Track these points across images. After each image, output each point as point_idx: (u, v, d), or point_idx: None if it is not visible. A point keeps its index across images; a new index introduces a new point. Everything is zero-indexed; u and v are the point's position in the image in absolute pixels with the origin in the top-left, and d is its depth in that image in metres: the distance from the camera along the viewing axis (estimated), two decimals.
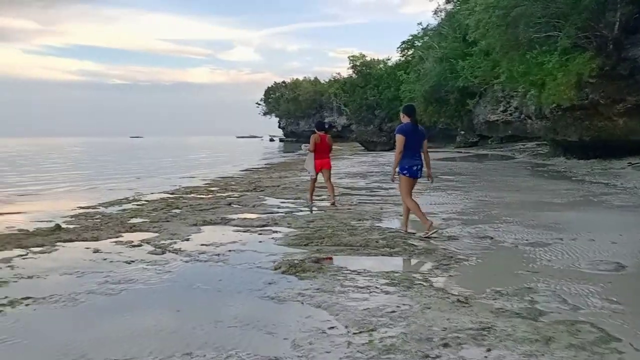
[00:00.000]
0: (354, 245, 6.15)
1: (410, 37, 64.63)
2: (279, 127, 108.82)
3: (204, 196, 11.73)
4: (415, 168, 6.67)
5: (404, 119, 6.71)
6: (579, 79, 14.66)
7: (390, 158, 28.92)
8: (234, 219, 8.12)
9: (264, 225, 7.65)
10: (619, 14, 14.50)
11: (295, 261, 5.31)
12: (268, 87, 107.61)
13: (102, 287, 4.54)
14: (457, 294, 4.08)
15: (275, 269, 5.13)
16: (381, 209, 8.88)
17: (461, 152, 34.49)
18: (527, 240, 6.05)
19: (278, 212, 8.78)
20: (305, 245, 6.25)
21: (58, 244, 6.55)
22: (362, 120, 74.49)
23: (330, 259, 5.58)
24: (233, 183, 14.95)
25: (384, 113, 71.71)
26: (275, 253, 5.83)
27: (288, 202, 10.16)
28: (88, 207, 10.01)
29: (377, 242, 6.19)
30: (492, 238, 6.18)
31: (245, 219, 8.13)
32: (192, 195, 12.00)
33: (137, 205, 10.44)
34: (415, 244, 6.04)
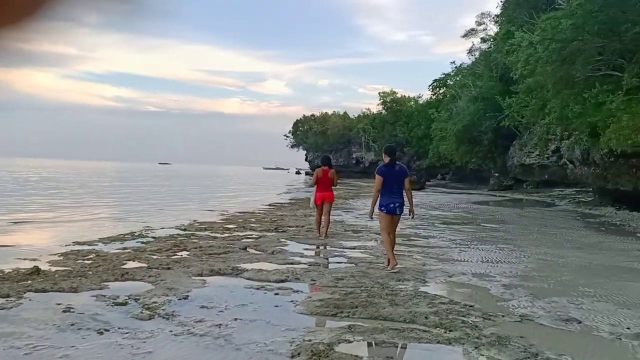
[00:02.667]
0: (396, 319, 4.73)
1: (443, 76, 63.86)
2: (306, 160, 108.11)
3: (218, 235, 10.44)
4: (392, 206, 7.07)
5: (385, 159, 7.25)
6: None
7: (421, 199, 27.39)
8: (247, 270, 6.77)
9: (282, 281, 6.29)
10: None
11: (320, 346, 3.91)
12: (297, 120, 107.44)
13: None
14: None
15: (292, 357, 3.75)
16: (424, 265, 7.43)
17: (495, 196, 32.74)
18: (629, 329, 4.54)
19: (301, 263, 7.40)
20: (333, 315, 4.87)
21: (27, 294, 5.30)
22: None
23: (370, 344, 4.16)
24: (253, 220, 13.66)
25: (413, 151, 70.52)
26: (294, 327, 4.44)
27: (312, 249, 8.78)
28: (84, 243, 8.81)
29: (426, 317, 4.74)
30: (579, 322, 4.67)
31: (260, 270, 6.76)
32: (206, 233, 10.73)
33: (141, 243, 9.20)
34: (477, 323, 4.58)
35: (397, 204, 7.08)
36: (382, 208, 7.13)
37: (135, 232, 10.59)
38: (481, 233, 11.65)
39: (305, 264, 7.35)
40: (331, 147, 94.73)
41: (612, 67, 14.42)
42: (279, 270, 6.74)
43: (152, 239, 9.74)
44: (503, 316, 4.79)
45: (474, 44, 49.54)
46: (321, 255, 8.21)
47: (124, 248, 8.56)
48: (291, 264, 7.34)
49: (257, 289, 5.88)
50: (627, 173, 17.09)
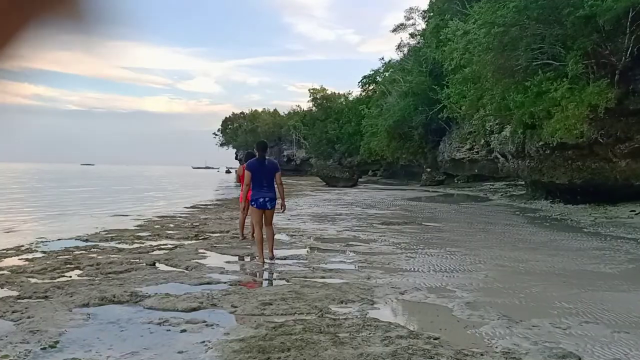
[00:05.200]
0: None
1: (372, 72, 63.71)
2: (236, 158, 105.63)
3: (125, 246, 8.83)
4: (261, 200, 7.26)
5: (257, 154, 7.49)
6: (593, 110, 12.62)
7: (355, 196, 26.51)
8: (150, 295, 5.31)
9: (194, 309, 4.91)
10: (631, 38, 12.58)
11: None
12: (226, 118, 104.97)
13: None
14: None
15: None
16: (368, 278, 6.23)
17: (429, 191, 32.45)
18: None
19: (220, 282, 6.00)
20: None
21: None
22: (322, 154, 72.54)
23: None
24: (171, 225, 12.05)
25: (344, 147, 70.06)
26: None
27: (235, 262, 7.39)
28: None
29: None
30: (579, 359, 3.60)
31: (168, 295, 5.31)
32: (111, 244, 9.09)
33: (25, 260, 7.49)
34: None
35: (267, 199, 7.27)
36: (253, 202, 7.31)
37: (22, 246, 8.79)
38: (425, 234, 10.67)
39: (225, 282, 5.97)
40: None
41: (551, 56, 13.93)
42: (191, 295, 5.32)
43: (42, 254, 8.03)
44: (482, 354, 3.64)
45: (402, 40, 49.47)
46: (246, 270, 6.84)
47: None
48: (208, 283, 5.93)
49: (159, 324, 4.46)
50: (562, 166, 16.80)
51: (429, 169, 43.49)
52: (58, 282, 5.94)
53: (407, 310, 5.02)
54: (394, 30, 47.62)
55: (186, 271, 6.66)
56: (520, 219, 14.23)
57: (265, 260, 7.27)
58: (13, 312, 4.71)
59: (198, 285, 5.83)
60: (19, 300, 5.13)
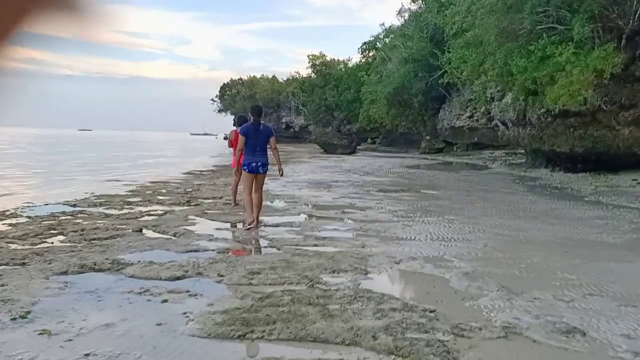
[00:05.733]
0: (331, 340, 3.27)
1: (372, 38, 62.55)
2: (234, 125, 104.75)
3: (114, 212, 8.57)
4: (254, 165, 7.18)
5: (251, 119, 7.39)
6: (599, 75, 12.20)
7: (353, 163, 26.20)
8: (132, 263, 5.06)
9: (178, 278, 4.68)
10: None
11: None
12: (224, 84, 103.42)
13: None
14: None
15: None
16: (363, 247, 5.98)
17: (428, 159, 32.15)
18: None
19: (207, 250, 5.75)
20: (240, 336, 3.34)
21: None
22: (321, 121, 71.87)
23: None
24: (164, 191, 11.78)
25: (343, 114, 69.38)
26: None
27: (226, 229, 7.14)
28: None
29: (374, 337, 3.29)
30: (584, 334, 3.37)
31: (151, 263, 5.06)
32: (99, 209, 8.83)
33: (8, 225, 7.24)
34: (447, 345, 3.17)
35: (259, 163, 7.21)
36: (245, 167, 7.22)
37: (7, 211, 8.53)
38: (423, 202, 10.41)
39: (213, 250, 5.72)
40: None
41: (556, 20, 13.40)
42: (176, 263, 5.08)
43: (27, 219, 7.78)
44: (480, 329, 3.40)
45: (403, 5, 48.59)
46: (236, 238, 6.59)
47: None
48: (195, 251, 5.69)
49: (139, 293, 4.23)
50: (563, 134, 16.45)
51: (428, 137, 43.10)
52: (38, 248, 5.69)
53: (402, 280, 4.79)
54: None
55: (174, 238, 6.42)
56: (520, 187, 13.96)
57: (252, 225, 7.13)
58: None
59: (184, 252, 5.59)
60: None
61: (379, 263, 5.23)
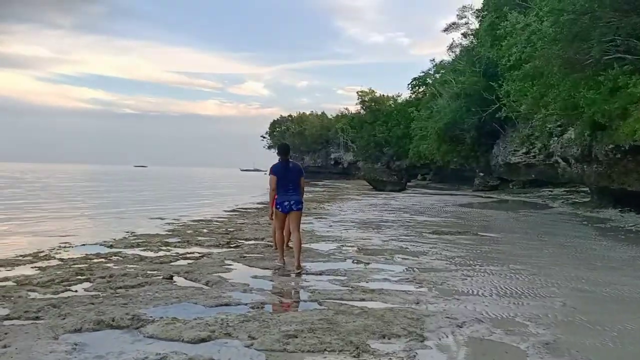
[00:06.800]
0: None
1: (422, 74, 62.17)
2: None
3: (150, 254, 8.10)
4: (287, 204, 7.03)
5: (280, 157, 7.18)
6: None
7: (403, 200, 25.28)
8: (153, 320, 4.45)
9: (203, 340, 4.03)
10: None
11: None
12: (274, 120, 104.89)
13: None
14: None
15: None
16: (417, 302, 5.18)
17: (482, 197, 30.78)
18: None
19: (240, 303, 5.09)
20: None
21: None
22: (370, 157, 71.38)
23: None
24: (205, 231, 11.31)
25: (392, 151, 68.73)
26: None
27: (263, 277, 6.47)
28: None
29: None
30: None
31: (174, 320, 4.44)
32: (135, 251, 8.40)
33: (36, 269, 6.84)
34: None
35: (292, 202, 7.06)
36: (278, 206, 7.10)
37: (42, 252, 8.20)
38: (482, 246, 9.46)
39: (246, 304, 5.05)
40: (309, 148, 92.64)
41: (625, 50, 12.37)
42: (203, 320, 4.43)
43: (58, 262, 7.39)
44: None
45: (454, 40, 47.69)
46: (273, 288, 5.90)
47: (3, 278, 6.19)
48: (226, 304, 5.04)
49: None
50: (635, 171, 15.11)
51: (481, 174, 41.71)
52: (57, 298, 5.18)
53: (468, 351, 3.95)
54: (446, 30, 45.93)
55: (205, 287, 5.79)
56: (589, 230, 12.72)
57: (290, 269, 6.86)
58: None
59: (214, 307, 4.94)
60: (4, 322, 4.38)
61: (437, 326, 4.42)
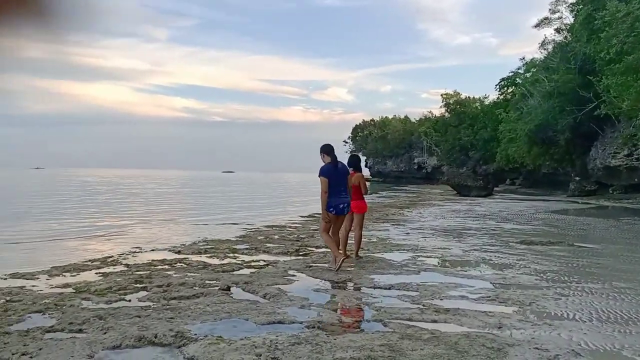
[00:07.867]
0: None
1: (511, 74, 59.31)
2: (366, 166, 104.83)
3: (214, 261, 7.85)
4: (341, 206, 6.91)
5: (325, 159, 6.96)
6: None
7: (489, 206, 23.85)
8: (197, 338, 4.04)
9: None
10: None
11: None
12: (356, 125, 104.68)
13: None
14: None
15: None
16: (500, 327, 4.43)
17: (578, 203, 28.52)
18: None
19: (294, 320, 4.58)
20: None
21: None
22: (455, 162, 69.06)
23: None
24: (276, 237, 10.99)
25: (478, 154, 66.03)
26: None
27: (325, 291, 5.91)
28: (23, 275, 6.55)
29: None
30: None
31: (219, 340, 4.00)
32: (201, 258, 8.20)
33: (99, 275, 6.75)
34: None
35: (345, 204, 7.00)
36: (331, 209, 6.92)
37: (111, 257, 8.20)
38: (579, 259, 8.34)
39: (301, 322, 4.53)
40: (391, 152, 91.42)
41: None
42: (250, 341, 3.95)
43: (123, 268, 7.30)
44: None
45: (546, 37, 44.90)
46: (334, 304, 5.34)
47: (64, 285, 6.11)
48: (279, 322, 4.54)
49: None
50: None
51: (577, 178, 38.90)
52: (107, 309, 4.93)
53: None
54: (537, 26, 43.36)
55: (261, 300, 5.35)
56: None
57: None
58: (22, 354, 3.69)
59: (265, 324, 4.46)
60: (45, 335, 4.15)
61: (522, 349, 3.68)
